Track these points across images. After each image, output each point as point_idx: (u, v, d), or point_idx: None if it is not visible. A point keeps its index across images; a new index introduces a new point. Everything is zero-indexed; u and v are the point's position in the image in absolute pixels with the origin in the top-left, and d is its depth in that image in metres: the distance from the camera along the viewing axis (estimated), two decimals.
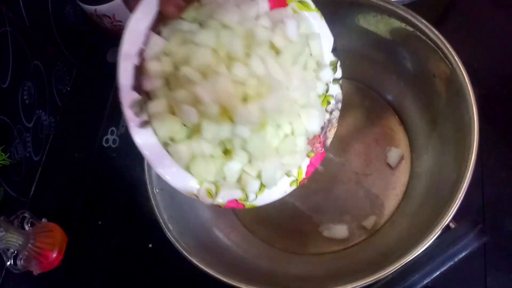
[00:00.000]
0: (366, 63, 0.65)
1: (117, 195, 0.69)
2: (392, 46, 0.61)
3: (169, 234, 0.52)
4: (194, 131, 0.40)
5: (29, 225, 0.63)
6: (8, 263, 0.61)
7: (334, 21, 0.63)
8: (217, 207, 0.44)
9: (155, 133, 0.41)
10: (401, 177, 0.60)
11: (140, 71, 0.42)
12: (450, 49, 0.52)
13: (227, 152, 0.41)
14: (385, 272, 0.44)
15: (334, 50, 0.47)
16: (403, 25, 0.57)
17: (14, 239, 0.59)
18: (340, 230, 0.58)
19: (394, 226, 0.57)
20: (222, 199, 0.43)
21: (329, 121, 0.47)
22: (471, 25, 0.69)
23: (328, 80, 0.46)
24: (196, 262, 0.49)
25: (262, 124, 0.40)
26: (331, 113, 0.48)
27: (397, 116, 0.64)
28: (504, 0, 0.70)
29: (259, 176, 0.42)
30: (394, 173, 0.61)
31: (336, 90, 0.48)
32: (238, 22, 0.40)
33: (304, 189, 0.50)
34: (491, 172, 0.57)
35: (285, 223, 0.60)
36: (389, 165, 0.61)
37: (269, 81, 0.39)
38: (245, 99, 0.38)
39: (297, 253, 0.59)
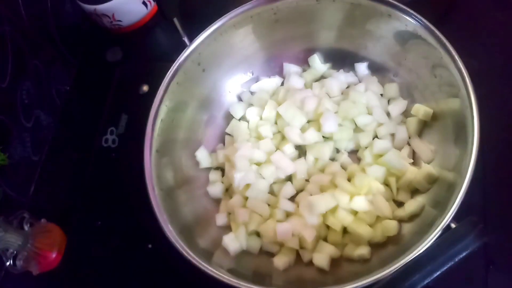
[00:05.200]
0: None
1: (116, 195, 0.69)
2: (392, 46, 0.61)
3: (169, 234, 0.51)
4: None
5: (28, 225, 0.63)
6: (8, 263, 0.60)
7: (336, 22, 0.64)
8: None
9: None
10: None
11: None
12: (451, 48, 0.52)
13: None
14: (385, 272, 0.44)
15: None
16: (403, 25, 0.57)
17: (13, 240, 0.59)
18: None
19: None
20: None
21: None
22: (472, 24, 0.69)
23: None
24: (196, 263, 0.49)
25: None
26: None
27: None
28: (504, 0, 0.70)
29: None
30: None
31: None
32: None
33: None
34: (492, 172, 0.57)
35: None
36: None
37: None
38: None
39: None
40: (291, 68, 0.68)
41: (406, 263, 0.44)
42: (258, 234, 0.59)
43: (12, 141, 0.67)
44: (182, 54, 0.61)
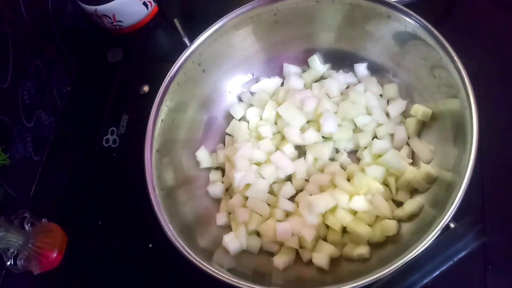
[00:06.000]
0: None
1: (117, 195, 0.69)
2: (392, 46, 0.61)
3: (169, 234, 0.52)
4: None
5: (29, 225, 0.63)
6: (8, 263, 0.61)
7: (336, 23, 0.64)
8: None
9: None
10: None
11: None
12: (450, 49, 0.52)
13: None
14: (385, 272, 0.44)
15: None
16: (403, 25, 0.57)
17: (14, 239, 0.59)
18: None
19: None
20: None
21: None
22: (471, 25, 0.69)
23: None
24: (196, 262, 0.50)
25: None
26: None
27: None
28: (504, 0, 0.70)
29: None
30: None
31: None
32: None
33: None
34: (491, 172, 0.57)
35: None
36: None
37: None
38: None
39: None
40: (291, 69, 0.68)
41: (405, 262, 0.44)
42: (258, 233, 0.59)
43: (13, 141, 0.67)
44: (182, 54, 0.61)
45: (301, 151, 0.63)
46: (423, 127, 0.60)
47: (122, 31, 0.82)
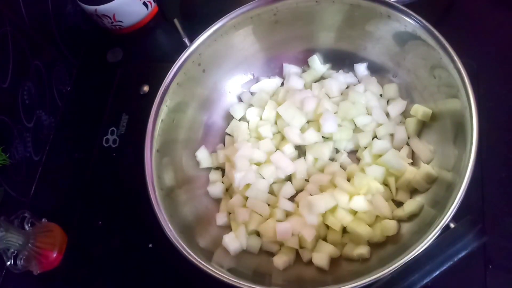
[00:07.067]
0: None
1: (117, 195, 0.69)
2: (392, 46, 0.61)
3: (169, 234, 0.52)
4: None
5: (29, 225, 0.63)
6: (8, 263, 0.61)
7: (336, 23, 0.64)
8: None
9: None
10: None
11: None
12: (450, 49, 0.52)
13: None
14: (385, 272, 0.44)
15: None
16: (402, 26, 0.57)
17: (14, 239, 0.59)
18: None
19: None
20: None
21: None
22: (471, 25, 0.69)
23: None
24: (196, 262, 0.50)
25: None
26: None
27: None
28: (504, 0, 0.70)
29: None
30: None
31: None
32: None
33: None
34: (491, 172, 0.58)
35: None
36: None
37: None
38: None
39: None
40: (291, 69, 0.68)
41: (405, 262, 0.44)
42: (258, 233, 0.59)
43: (13, 141, 0.67)
44: (182, 54, 0.61)
45: (301, 151, 0.63)
46: (423, 127, 0.60)
47: (122, 31, 0.82)
